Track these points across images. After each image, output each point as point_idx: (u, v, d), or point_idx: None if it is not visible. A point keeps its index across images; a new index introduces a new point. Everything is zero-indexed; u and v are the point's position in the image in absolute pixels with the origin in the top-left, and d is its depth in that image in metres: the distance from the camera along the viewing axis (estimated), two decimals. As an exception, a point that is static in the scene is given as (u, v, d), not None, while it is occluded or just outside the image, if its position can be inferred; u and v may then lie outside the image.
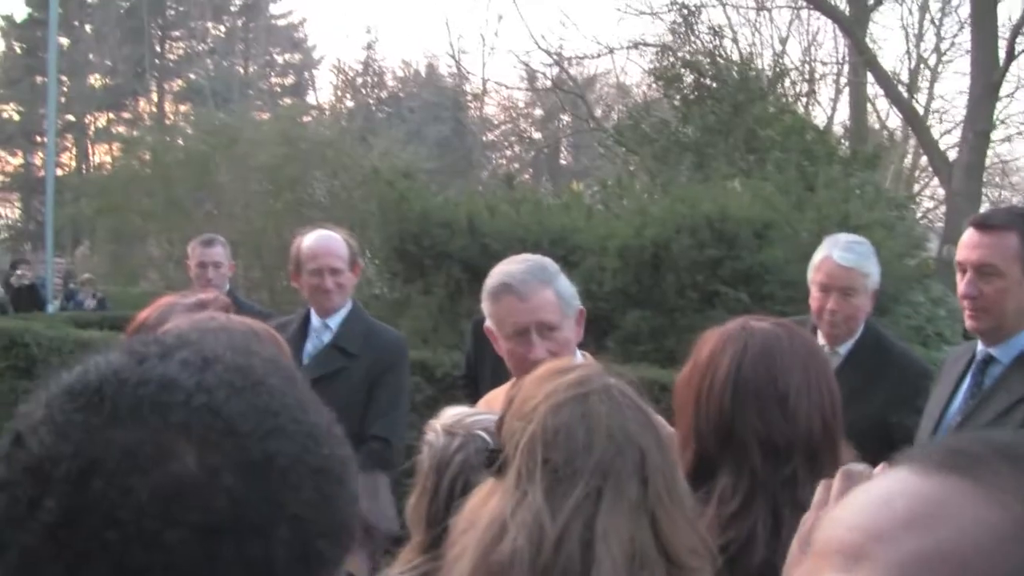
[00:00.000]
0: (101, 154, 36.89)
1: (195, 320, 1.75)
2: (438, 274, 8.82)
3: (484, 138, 38.38)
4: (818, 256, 3.32)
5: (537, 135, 37.18)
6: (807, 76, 22.35)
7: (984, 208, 15.31)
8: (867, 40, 18.78)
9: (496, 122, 39.99)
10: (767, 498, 1.81)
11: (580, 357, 2.50)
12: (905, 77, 22.36)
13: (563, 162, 38.58)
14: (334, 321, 3.91)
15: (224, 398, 0.73)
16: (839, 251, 3.24)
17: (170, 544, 0.67)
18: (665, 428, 2.23)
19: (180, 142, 17.40)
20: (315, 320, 3.94)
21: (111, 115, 39.06)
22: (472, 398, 2.91)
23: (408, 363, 4.14)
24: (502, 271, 2.56)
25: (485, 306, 2.58)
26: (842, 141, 17.20)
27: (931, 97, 24.17)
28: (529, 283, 2.50)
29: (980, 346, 2.84)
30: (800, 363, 1.88)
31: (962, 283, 2.75)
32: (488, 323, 2.60)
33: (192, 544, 0.68)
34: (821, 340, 3.20)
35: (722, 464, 1.86)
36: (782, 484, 1.83)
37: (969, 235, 2.76)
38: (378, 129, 25.54)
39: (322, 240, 3.90)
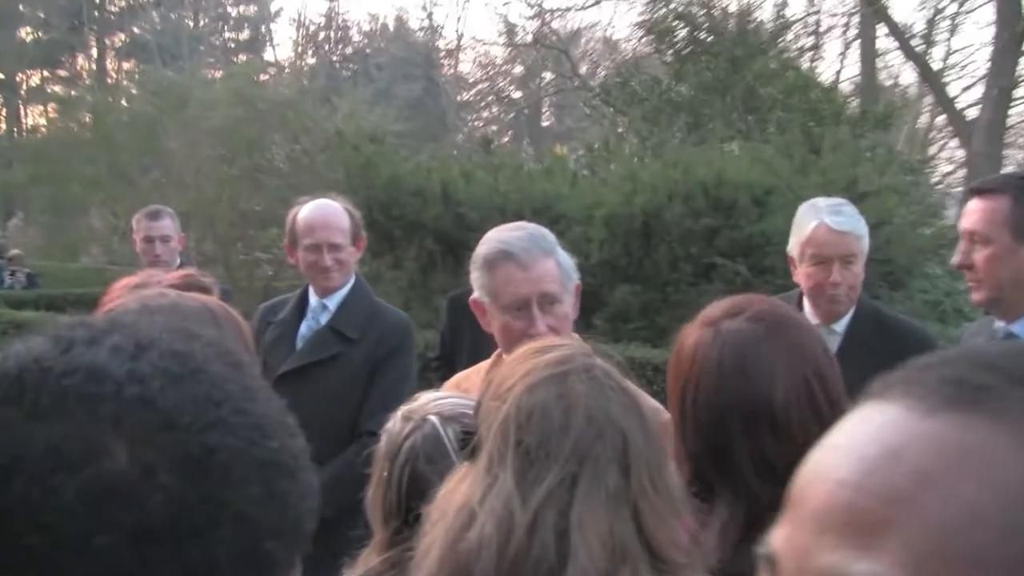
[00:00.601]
0: (35, 116, 36.61)
1: (143, 297, 1.71)
2: (409, 247, 8.82)
3: (459, 98, 38.28)
4: (807, 226, 3.24)
5: (517, 94, 37.15)
6: (812, 29, 22.40)
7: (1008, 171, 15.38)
8: (878, -12, 18.80)
9: (472, 80, 39.94)
10: (773, 522, 1.76)
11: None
12: (920, 29, 22.39)
13: (545, 124, 38.57)
14: (333, 301, 3.80)
15: (159, 388, 0.71)
16: (830, 216, 3.19)
17: (101, 550, 0.66)
18: (659, 414, 2.21)
19: (124, 103, 17.35)
20: (313, 299, 3.84)
21: (45, 72, 38.68)
22: (447, 381, 2.89)
23: (413, 348, 4.01)
24: (498, 238, 2.52)
25: (476, 276, 2.54)
26: (850, 100, 17.23)
27: (949, 51, 24.26)
28: (531, 251, 2.47)
29: (999, 323, 2.84)
30: (783, 364, 1.79)
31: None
32: (477, 295, 2.55)
33: (125, 549, 0.67)
34: (813, 319, 3.14)
35: (719, 488, 1.80)
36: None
37: (969, 202, 2.82)
38: (343, 88, 25.43)
39: (320, 211, 3.78)
